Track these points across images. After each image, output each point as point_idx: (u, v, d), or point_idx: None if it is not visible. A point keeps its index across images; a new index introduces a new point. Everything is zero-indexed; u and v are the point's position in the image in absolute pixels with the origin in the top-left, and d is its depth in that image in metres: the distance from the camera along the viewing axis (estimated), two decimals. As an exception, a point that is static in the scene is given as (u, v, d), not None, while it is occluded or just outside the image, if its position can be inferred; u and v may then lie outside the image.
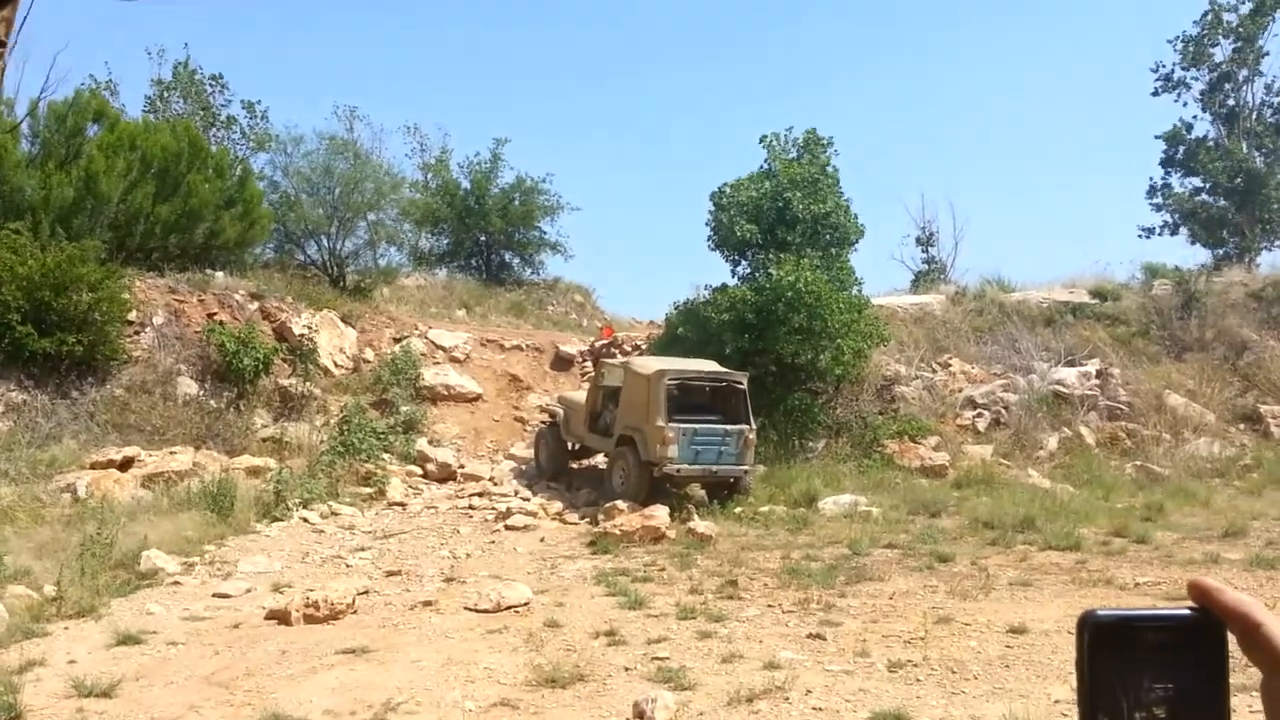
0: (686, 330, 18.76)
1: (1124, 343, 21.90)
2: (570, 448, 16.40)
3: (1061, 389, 19.93)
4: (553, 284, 30.67)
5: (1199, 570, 10.78)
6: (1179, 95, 31.00)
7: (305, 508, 13.62)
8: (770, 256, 18.33)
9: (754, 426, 14.50)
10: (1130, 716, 0.78)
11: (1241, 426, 20.01)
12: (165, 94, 27.35)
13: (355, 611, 9.26)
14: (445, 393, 19.21)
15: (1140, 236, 32.21)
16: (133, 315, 16.80)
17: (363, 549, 12.12)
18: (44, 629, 8.43)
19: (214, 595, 9.84)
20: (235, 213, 21.27)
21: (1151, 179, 31.76)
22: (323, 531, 12.96)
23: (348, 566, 11.32)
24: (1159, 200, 31.46)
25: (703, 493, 14.92)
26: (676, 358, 16.11)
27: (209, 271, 19.65)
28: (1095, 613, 0.81)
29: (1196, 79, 30.72)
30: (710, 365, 15.49)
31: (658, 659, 7.68)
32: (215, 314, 17.91)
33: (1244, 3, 29.59)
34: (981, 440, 18.63)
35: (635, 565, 11.19)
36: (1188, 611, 0.81)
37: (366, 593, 9.98)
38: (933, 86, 66.18)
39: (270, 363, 17.36)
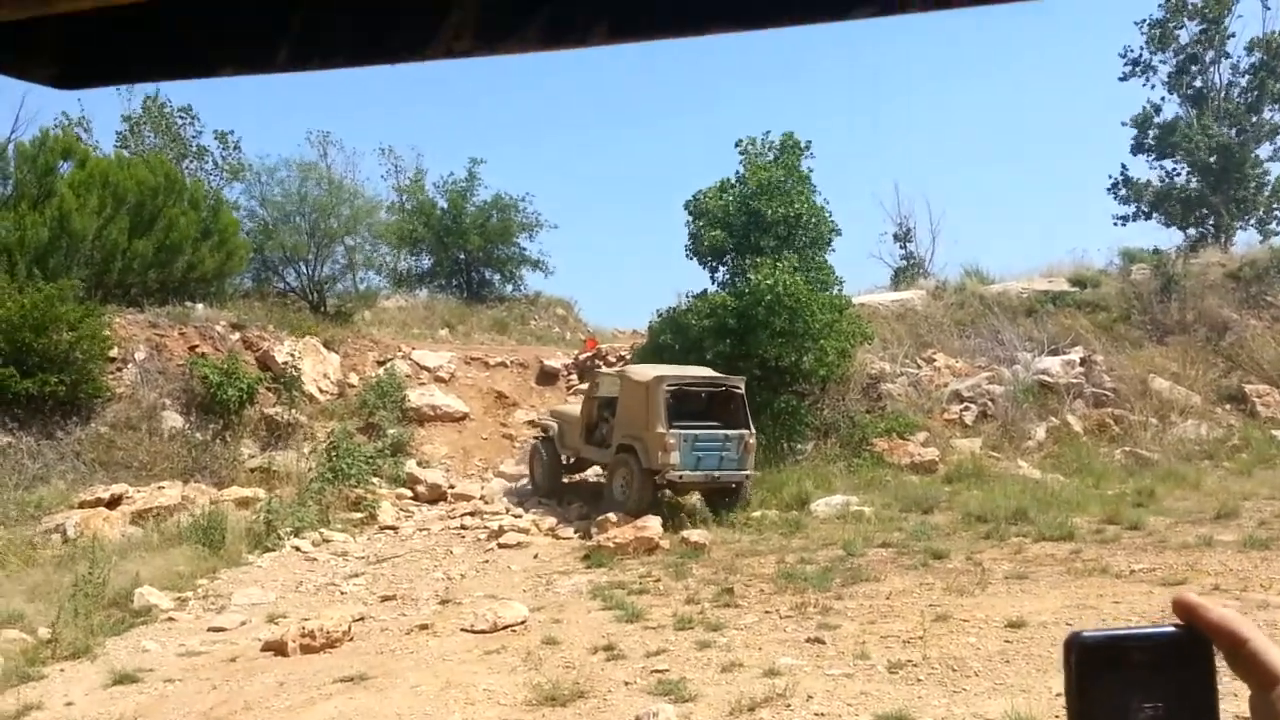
0: (669, 338, 18.76)
1: (1106, 329, 22.04)
2: (565, 461, 16.25)
3: (1046, 378, 20.03)
4: (534, 299, 30.61)
5: (1194, 554, 10.84)
6: (1147, 79, 31.37)
7: (297, 536, 13.53)
8: (746, 261, 18.36)
9: (754, 431, 14.46)
10: None
11: (1227, 407, 20.14)
12: (136, 128, 27.33)
13: (352, 639, 9.20)
14: (432, 413, 19.15)
15: (1115, 224, 32.68)
16: (114, 352, 16.68)
17: (356, 575, 12.06)
18: (40, 672, 8.35)
19: (209, 629, 9.77)
20: (212, 244, 21.18)
21: (1111, 176, 32.10)
22: (315, 559, 12.88)
23: (342, 594, 11.25)
24: (1124, 193, 31.77)
25: (696, 500, 14.80)
26: (669, 365, 16.04)
27: (189, 304, 19.53)
28: (1081, 634, 0.80)
29: (1164, 62, 31.06)
30: (705, 371, 15.44)
31: (657, 671, 7.65)
32: (197, 346, 17.81)
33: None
34: (970, 434, 18.69)
35: (630, 577, 11.17)
36: (1174, 629, 0.81)
37: (362, 619, 9.94)
38: (900, 79, 66.52)
39: (254, 392, 17.26)
